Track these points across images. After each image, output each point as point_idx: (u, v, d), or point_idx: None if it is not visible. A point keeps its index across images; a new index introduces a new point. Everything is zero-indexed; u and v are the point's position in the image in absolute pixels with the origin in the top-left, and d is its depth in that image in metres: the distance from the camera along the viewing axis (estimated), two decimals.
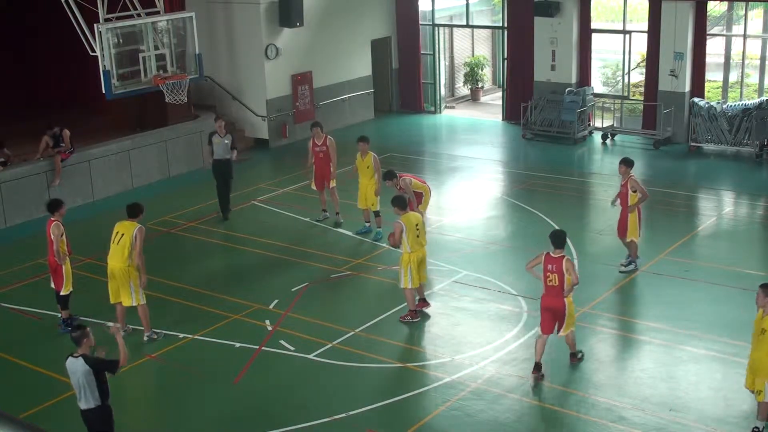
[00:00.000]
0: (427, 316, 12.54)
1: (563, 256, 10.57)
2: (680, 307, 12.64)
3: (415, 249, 12.08)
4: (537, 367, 10.80)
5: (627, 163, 13.80)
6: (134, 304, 11.91)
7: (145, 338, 12.12)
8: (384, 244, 15.01)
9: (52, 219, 12.21)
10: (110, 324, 8.78)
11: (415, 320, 12.39)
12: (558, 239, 10.72)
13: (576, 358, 11.18)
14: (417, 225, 12.12)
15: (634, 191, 13.59)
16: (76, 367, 8.52)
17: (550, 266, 10.55)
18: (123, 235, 11.76)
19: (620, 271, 13.78)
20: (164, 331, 12.29)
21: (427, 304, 12.63)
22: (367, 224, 15.74)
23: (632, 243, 13.80)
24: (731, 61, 22.05)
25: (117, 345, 8.94)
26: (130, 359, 11.52)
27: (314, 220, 16.50)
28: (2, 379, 11.39)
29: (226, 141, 16.38)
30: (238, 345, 11.88)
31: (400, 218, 12.05)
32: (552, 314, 10.72)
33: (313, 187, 16.27)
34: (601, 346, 11.89)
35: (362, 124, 24.25)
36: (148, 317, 12.10)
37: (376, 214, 15.53)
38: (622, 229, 13.75)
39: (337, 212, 16.22)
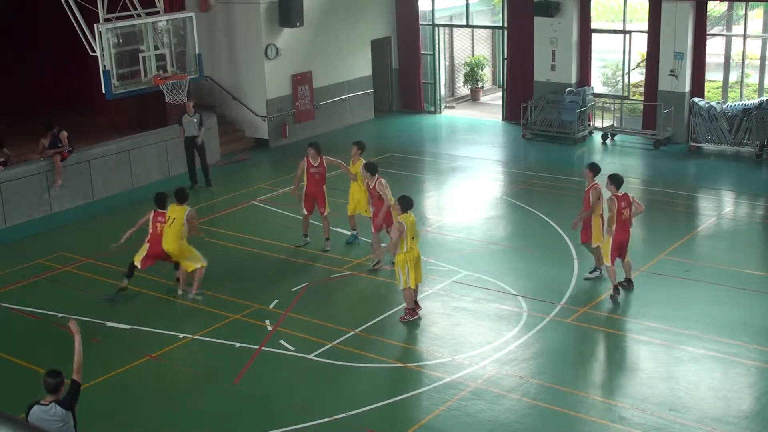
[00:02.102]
0: (422, 317, 12.51)
1: (626, 193, 12.77)
2: (680, 307, 12.64)
3: (411, 249, 12.06)
4: (616, 289, 12.72)
5: (593, 168, 13.30)
6: (198, 267, 13.11)
7: (190, 296, 13.21)
8: (386, 244, 14.99)
9: (159, 211, 13.18)
10: (70, 322, 8.40)
11: (414, 317, 12.37)
12: (620, 181, 12.75)
13: (631, 284, 13.04)
14: (413, 224, 12.13)
15: (598, 199, 13.07)
16: (50, 415, 7.69)
17: (623, 203, 12.65)
18: (175, 219, 12.93)
19: (584, 278, 13.55)
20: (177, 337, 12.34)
21: (418, 307, 12.52)
22: (354, 232, 15.36)
23: (598, 249, 13.34)
24: (731, 61, 22.05)
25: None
26: (130, 359, 11.59)
27: (295, 245, 15.35)
28: (2, 379, 11.38)
29: (194, 120, 18.45)
30: (238, 345, 11.88)
31: (400, 218, 12.02)
32: (621, 246, 12.72)
33: (304, 211, 15.11)
34: (600, 345, 11.91)
35: (362, 124, 24.28)
36: (202, 279, 13.20)
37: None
38: (585, 234, 13.44)
39: (327, 237, 15.17)
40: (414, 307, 12.41)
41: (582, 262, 14.15)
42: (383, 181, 13.95)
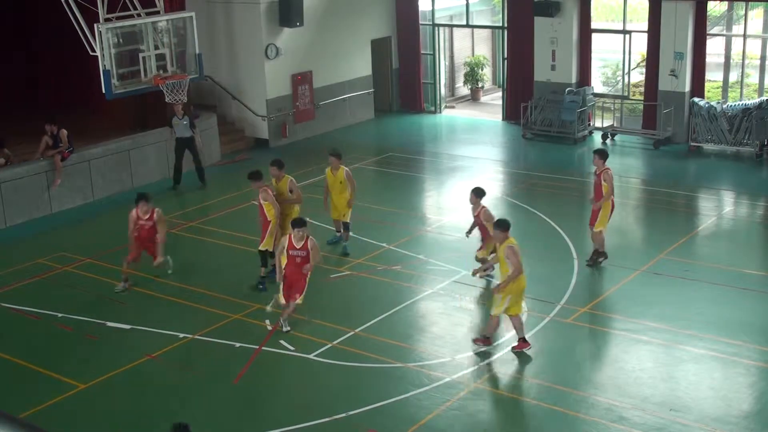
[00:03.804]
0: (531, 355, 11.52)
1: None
2: (680, 306, 12.63)
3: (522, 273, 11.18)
4: (605, 254, 13.84)
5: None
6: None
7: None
8: (386, 244, 14.98)
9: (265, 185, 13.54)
10: None
11: (486, 345, 11.51)
12: (607, 154, 14.03)
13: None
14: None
15: (488, 222, 12.77)
16: None
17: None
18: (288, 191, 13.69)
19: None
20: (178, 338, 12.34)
21: (526, 344, 11.39)
22: (338, 234, 15.14)
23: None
24: (731, 60, 22.05)
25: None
26: (131, 359, 11.59)
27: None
28: (2, 378, 11.39)
29: (184, 122, 18.31)
30: (238, 345, 11.88)
31: (510, 242, 11.11)
32: None
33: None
34: (600, 345, 11.90)
35: (362, 124, 24.28)
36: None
37: (346, 227, 14.90)
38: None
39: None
40: (490, 337, 11.56)
41: (582, 262, 14.15)
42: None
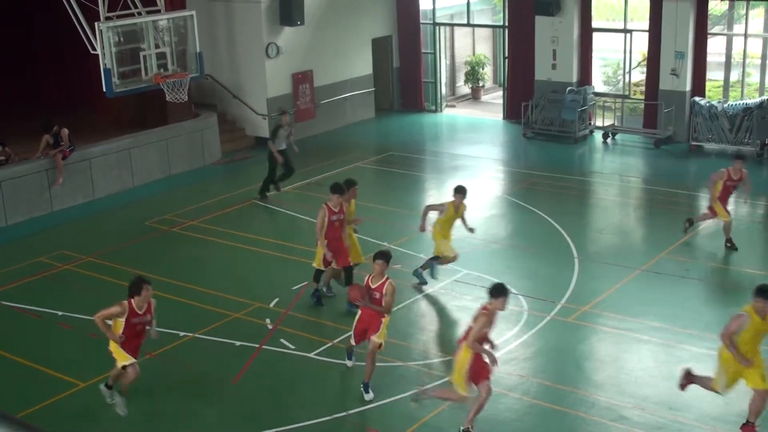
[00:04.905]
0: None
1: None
2: (680, 306, 12.63)
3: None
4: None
5: (385, 257, 10.52)
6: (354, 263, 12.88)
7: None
8: (387, 243, 14.99)
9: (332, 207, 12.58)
10: None
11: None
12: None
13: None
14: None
15: (389, 296, 10.30)
16: None
17: None
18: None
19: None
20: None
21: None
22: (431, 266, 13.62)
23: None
24: (732, 60, 22.04)
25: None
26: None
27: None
28: (2, 377, 11.39)
29: (286, 133, 17.26)
30: (238, 344, 11.88)
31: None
32: None
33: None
34: (601, 344, 11.90)
35: (363, 123, 24.29)
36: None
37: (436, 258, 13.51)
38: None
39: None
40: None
41: (582, 261, 14.15)
42: None
